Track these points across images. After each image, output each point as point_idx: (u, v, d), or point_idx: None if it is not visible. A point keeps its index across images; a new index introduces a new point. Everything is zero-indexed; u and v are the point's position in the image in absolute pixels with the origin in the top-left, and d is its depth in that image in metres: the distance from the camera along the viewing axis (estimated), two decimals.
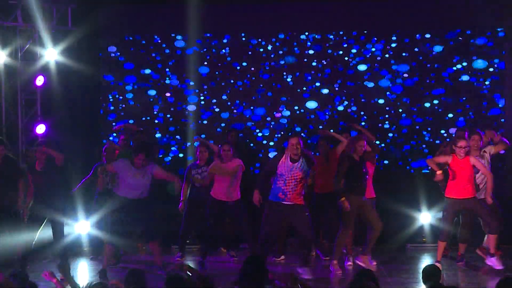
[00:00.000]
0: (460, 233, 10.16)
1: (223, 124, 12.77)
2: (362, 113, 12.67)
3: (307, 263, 9.37)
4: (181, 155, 12.81)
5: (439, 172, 9.60)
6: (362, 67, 12.66)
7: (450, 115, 12.58)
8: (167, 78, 12.87)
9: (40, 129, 11.56)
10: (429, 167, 10.08)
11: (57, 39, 11.86)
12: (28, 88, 11.89)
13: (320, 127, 12.36)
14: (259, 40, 12.80)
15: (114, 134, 12.43)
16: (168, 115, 12.88)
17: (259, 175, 9.39)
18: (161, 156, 12.49)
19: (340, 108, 12.69)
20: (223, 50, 12.83)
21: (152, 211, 9.66)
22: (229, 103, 12.81)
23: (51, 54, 11.74)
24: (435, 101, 12.60)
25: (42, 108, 11.96)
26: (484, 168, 9.67)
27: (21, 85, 11.80)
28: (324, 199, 10.21)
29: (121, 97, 12.85)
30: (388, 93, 12.65)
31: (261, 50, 12.79)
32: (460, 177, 9.55)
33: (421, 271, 6.45)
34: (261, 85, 12.78)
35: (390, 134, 12.67)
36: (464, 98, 12.59)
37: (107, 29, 12.69)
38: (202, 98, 12.82)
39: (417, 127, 12.64)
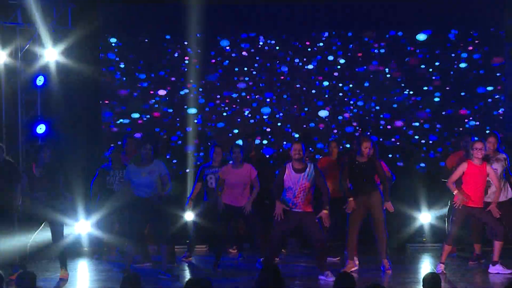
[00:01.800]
0: (473, 234, 10.27)
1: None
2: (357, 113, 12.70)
3: (324, 267, 9.23)
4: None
5: (456, 191, 9.49)
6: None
7: (450, 116, 12.60)
8: (168, 79, 12.85)
9: (40, 129, 11.56)
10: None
11: (57, 39, 11.86)
12: (28, 88, 11.88)
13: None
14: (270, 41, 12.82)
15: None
16: (170, 117, 12.86)
17: (273, 189, 9.37)
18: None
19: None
20: (231, 51, 12.82)
21: (165, 212, 9.52)
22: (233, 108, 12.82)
23: (51, 54, 11.74)
24: (436, 100, 12.64)
25: (42, 108, 11.96)
26: (496, 180, 9.55)
27: (21, 85, 11.80)
28: (333, 203, 10.10)
29: (121, 98, 12.83)
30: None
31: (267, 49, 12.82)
32: (474, 184, 9.41)
33: (421, 271, 6.45)
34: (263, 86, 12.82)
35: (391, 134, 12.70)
36: (465, 99, 12.60)
37: (107, 29, 12.69)
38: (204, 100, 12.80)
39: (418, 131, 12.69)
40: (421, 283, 6.31)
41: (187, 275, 9.74)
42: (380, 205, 9.65)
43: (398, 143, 12.55)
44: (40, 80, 11.70)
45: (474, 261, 10.20)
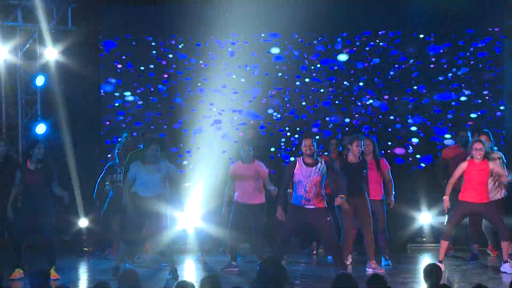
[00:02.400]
0: (472, 234, 10.28)
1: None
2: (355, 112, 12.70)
3: (342, 265, 9.04)
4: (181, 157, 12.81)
5: (446, 197, 9.49)
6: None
7: (451, 116, 12.61)
8: (168, 78, 12.84)
9: (40, 129, 11.57)
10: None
11: (57, 39, 11.88)
12: (28, 88, 11.90)
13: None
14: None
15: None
16: (170, 116, 12.85)
17: (280, 190, 9.27)
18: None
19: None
20: (231, 50, 12.80)
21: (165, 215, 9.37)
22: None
23: (51, 53, 11.75)
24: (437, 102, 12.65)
25: (42, 108, 11.97)
26: (502, 171, 9.65)
27: (21, 85, 11.82)
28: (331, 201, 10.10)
29: (120, 97, 12.82)
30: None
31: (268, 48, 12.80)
32: (476, 181, 9.42)
33: (421, 270, 6.46)
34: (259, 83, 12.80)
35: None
36: (465, 100, 12.61)
37: (107, 29, 12.70)
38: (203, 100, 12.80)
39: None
40: (424, 277, 6.35)
41: (188, 275, 9.73)
42: (365, 209, 9.61)
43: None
44: (40, 80, 11.72)
45: (472, 261, 10.21)
